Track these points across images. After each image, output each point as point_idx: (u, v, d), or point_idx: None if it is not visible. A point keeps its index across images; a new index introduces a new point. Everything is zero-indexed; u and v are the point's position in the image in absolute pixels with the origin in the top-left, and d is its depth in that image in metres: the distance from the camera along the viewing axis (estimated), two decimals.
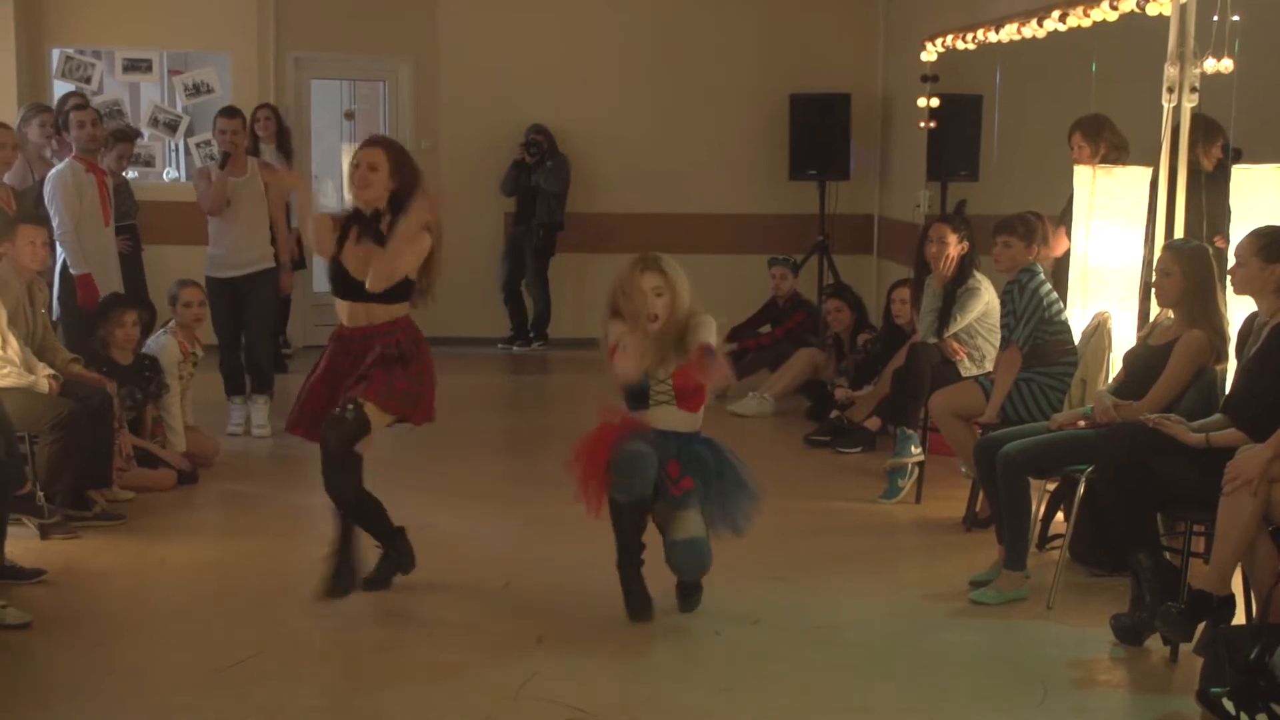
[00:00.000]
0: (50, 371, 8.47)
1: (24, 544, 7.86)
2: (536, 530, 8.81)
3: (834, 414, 11.21)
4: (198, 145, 14.96)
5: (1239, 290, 6.85)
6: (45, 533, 8.25)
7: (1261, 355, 6.66)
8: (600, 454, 6.80)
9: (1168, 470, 6.62)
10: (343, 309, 7.25)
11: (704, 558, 6.88)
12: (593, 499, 6.88)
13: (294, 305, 14.19)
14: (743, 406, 12.15)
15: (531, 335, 15.62)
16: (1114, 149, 9.08)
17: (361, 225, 7.11)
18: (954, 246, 9.45)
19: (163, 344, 9.91)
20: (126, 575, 7.85)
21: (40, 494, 8.37)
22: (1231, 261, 6.90)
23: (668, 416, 6.96)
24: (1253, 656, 5.66)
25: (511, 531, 8.78)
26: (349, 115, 16.60)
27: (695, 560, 6.88)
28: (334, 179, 16.29)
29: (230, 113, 11.47)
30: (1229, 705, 5.68)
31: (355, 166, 7.11)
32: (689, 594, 7.08)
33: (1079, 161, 9.09)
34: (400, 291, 7.13)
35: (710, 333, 6.96)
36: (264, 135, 13.19)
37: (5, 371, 8.14)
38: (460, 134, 15.44)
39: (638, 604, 6.97)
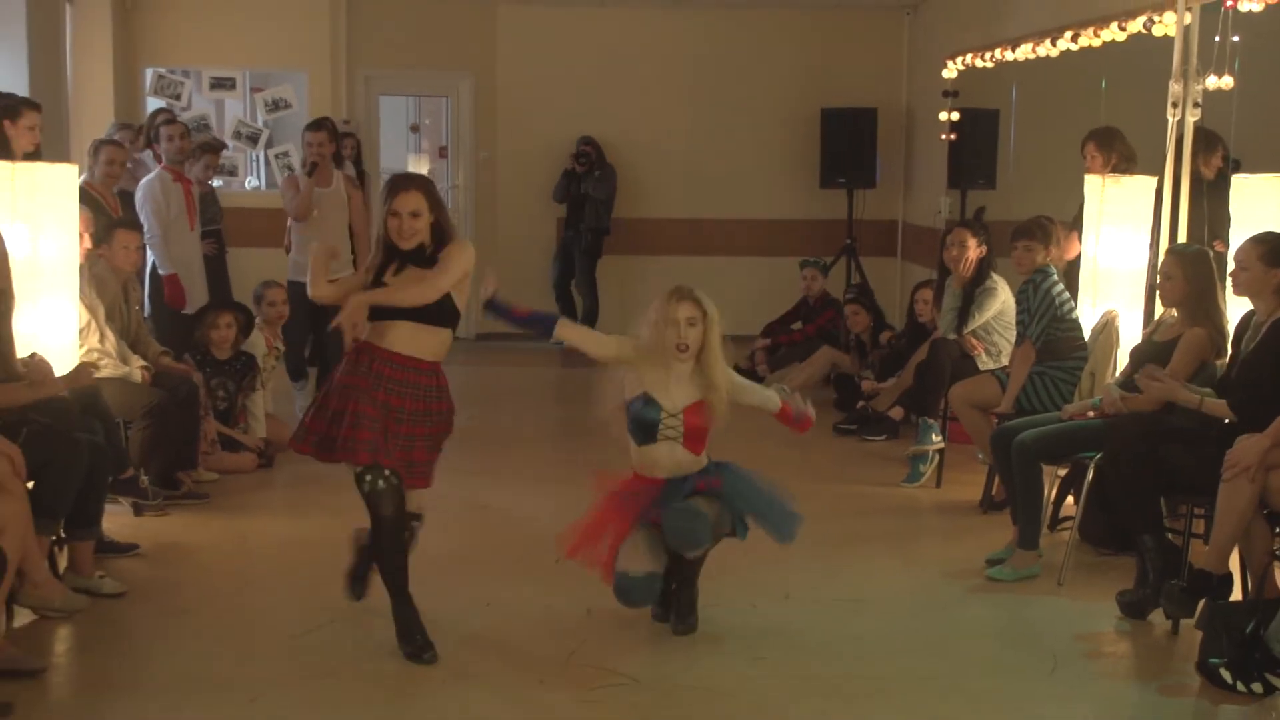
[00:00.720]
0: (143, 363, 8.48)
1: (119, 521, 7.88)
2: (581, 509, 8.71)
3: (860, 404, 11.21)
4: (276, 156, 15.12)
5: (1240, 292, 6.79)
6: (138, 510, 8.27)
7: (1260, 350, 6.60)
8: (599, 541, 6.30)
9: (1171, 458, 6.58)
10: (385, 330, 6.09)
11: (699, 527, 6.20)
12: (605, 571, 6.30)
13: None
14: None
15: None
16: (1124, 159, 9.02)
17: (402, 258, 6.11)
18: (973, 250, 9.43)
19: (250, 339, 9.92)
20: (210, 549, 7.90)
21: (144, 477, 8.37)
22: (1232, 266, 6.84)
23: (672, 453, 6.33)
24: (1249, 630, 5.76)
25: (563, 512, 8.66)
26: (414, 129, 16.56)
27: (688, 525, 6.20)
28: None
29: (317, 126, 11.38)
30: (1226, 675, 5.72)
31: (395, 216, 6.05)
32: (684, 615, 6.48)
33: (1091, 170, 9.07)
34: (449, 317, 6.16)
35: (769, 399, 6.65)
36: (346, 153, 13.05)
37: (103, 363, 8.11)
38: (516, 145, 15.54)
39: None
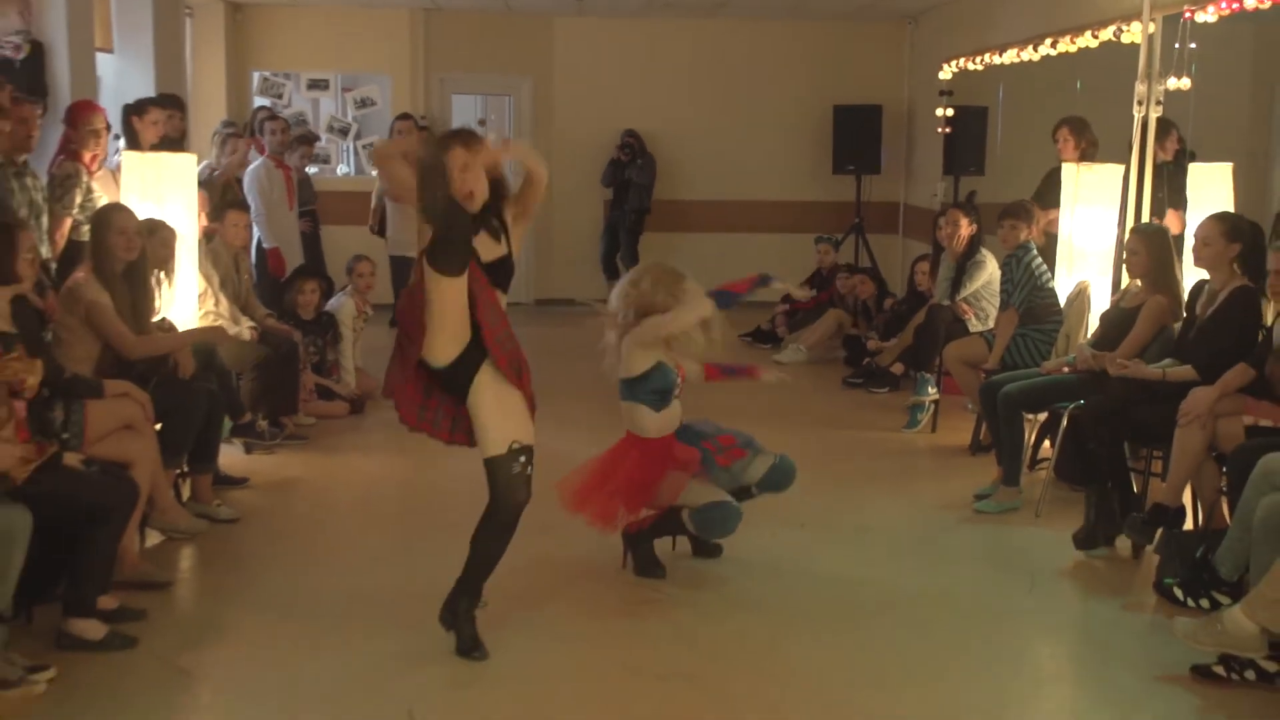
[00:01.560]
0: (251, 324, 8.53)
1: (233, 458, 7.98)
2: None
3: (866, 361, 11.17)
4: (363, 147, 15.17)
5: (1201, 264, 6.75)
6: (249, 449, 8.37)
7: (1221, 317, 6.59)
8: (607, 498, 6.06)
9: (1137, 413, 6.60)
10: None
11: (731, 520, 6.14)
12: (610, 518, 6.10)
13: None
14: (783, 355, 12.14)
15: None
16: (1091, 145, 9.02)
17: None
18: (965, 228, 9.48)
19: (342, 303, 9.97)
20: (309, 482, 7.96)
21: (262, 421, 8.54)
22: (1195, 242, 6.80)
23: (677, 411, 6.30)
24: (1199, 555, 5.77)
25: (593, 450, 8.75)
26: (481, 123, 16.57)
27: (723, 519, 6.13)
28: None
29: (405, 116, 12.04)
30: (1179, 593, 5.76)
31: (459, 168, 5.04)
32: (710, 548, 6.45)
33: (1063, 152, 9.08)
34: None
35: (691, 311, 6.06)
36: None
37: (219, 324, 8.17)
38: (569, 138, 15.47)
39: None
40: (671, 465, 6.13)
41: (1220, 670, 5.04)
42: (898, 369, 10.69)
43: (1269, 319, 6.51)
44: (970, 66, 12.27)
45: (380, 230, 11.88)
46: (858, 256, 14.46)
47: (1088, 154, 8.94)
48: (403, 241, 11.18)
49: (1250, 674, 5.00)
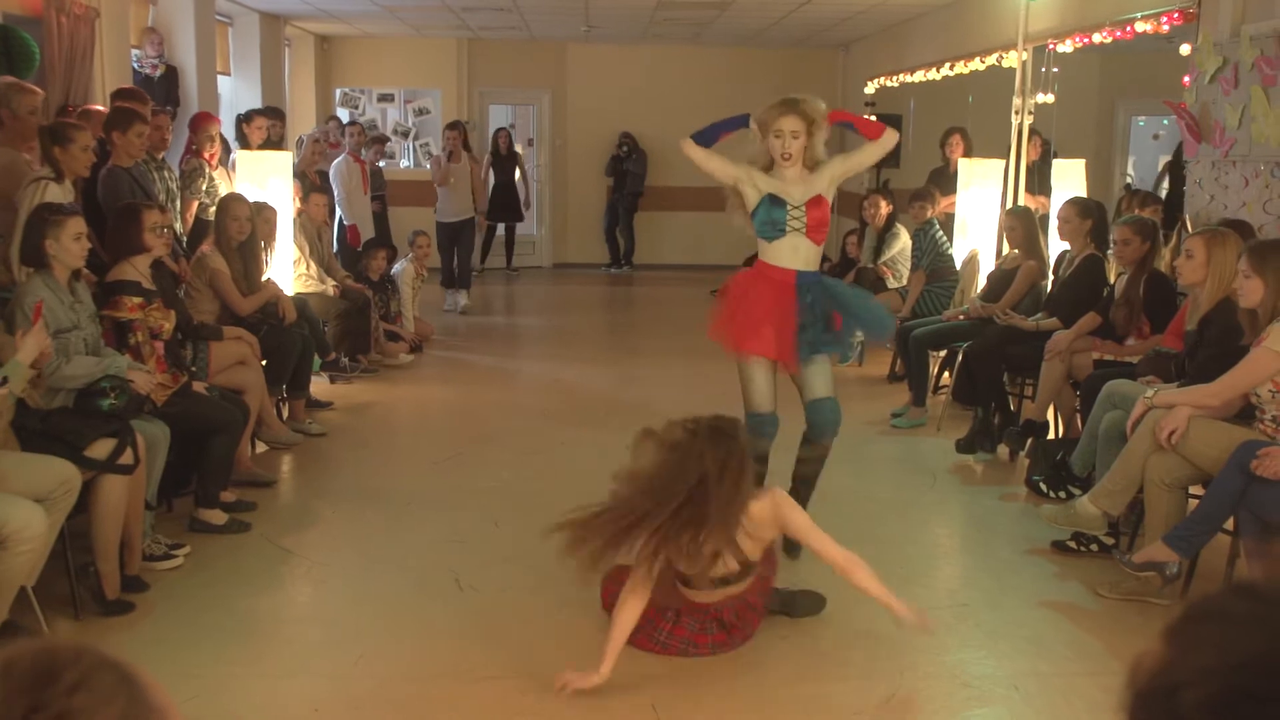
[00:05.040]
0: (333, 282, 8.53)
1: (320, 386, 7.97)
2: (626, 380, 8.86)
3: None
4: (420, 146, 15.11)
5: (1063, 238, 6.80)
6: (333, 380, 8.37)
7: (1074, 277, 6.65)
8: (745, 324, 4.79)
9: (1016, 350, 6.63)
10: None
11: (836, 417, 4.84)
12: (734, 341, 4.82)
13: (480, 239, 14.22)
14: None
15: (623, 262, 15.57)
16: (970, 147, 9.14)
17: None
18: (884, 208, 9.41)
19: (404, 268, 9.93)
20: (380, 405, 7.96)
21: (344, 359, 8.56)
22: (1056, 220, 6.83)
23: (797, 245, 4.77)
24: (1058, 458, 5.84)
25: (609, 381, 8.81)
26: (511, 126, 16.50)
27: (837, 418, 4.82)
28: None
29: (453, 125, 12.05)
30: (1044, 487, 5.88)
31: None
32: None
33: (953, 153, 9.15)
34: None
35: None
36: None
37: (309, 283, 8.22)
38: (580, 138, 15.45)
39: None
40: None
41: (1073, 544, 5.09)
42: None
43: (1111, 278, 6.56)
44: (889, 84, 12.21)
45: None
46: None
47: (969, 154, 9.01)
48: (447, 210, 11.78)
49: (1094, 546, 5.07)
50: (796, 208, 4.77)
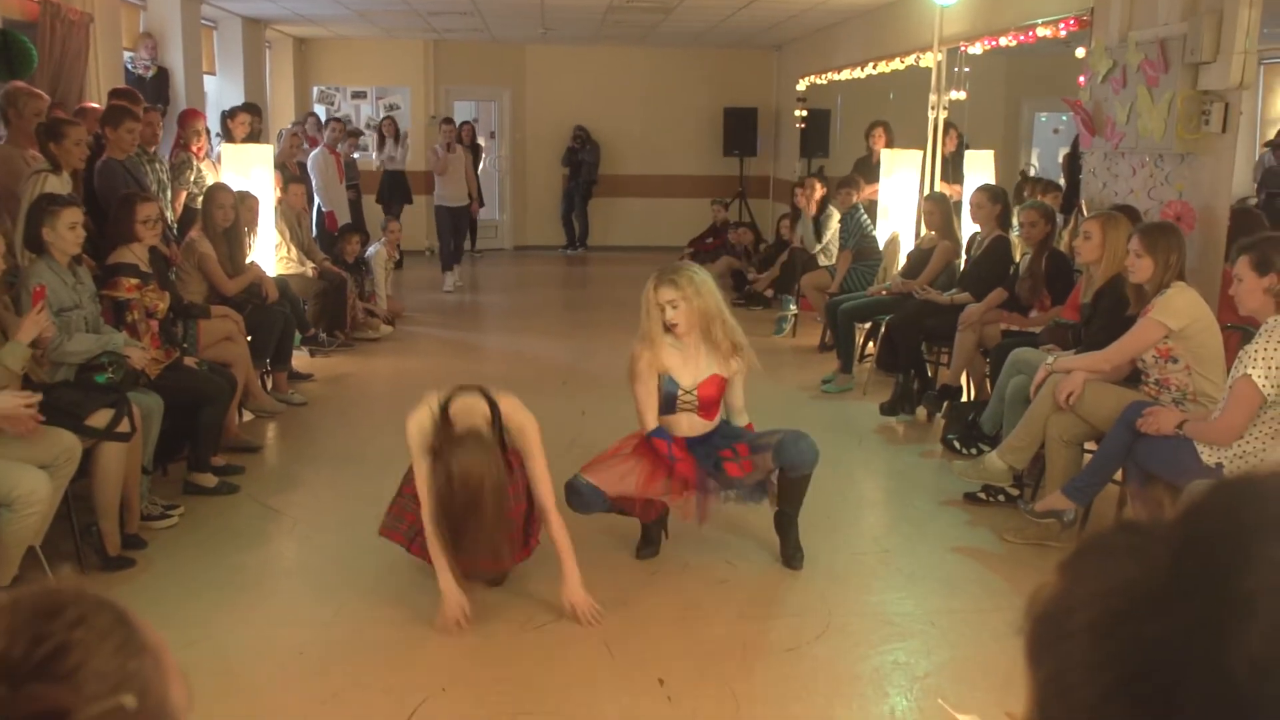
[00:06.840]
0: (312, 264, 8.45)
1: (301, 360, 7.88)
2: (581, 351, 8.82)
3: (746, 287, 11.14)
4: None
5: (975, 221, 6.83)
6: (313, 353, 8.31)
7: (983, 256, 6.69)
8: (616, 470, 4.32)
9: (933, 322, 6.67)
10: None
11: (806, 446, 4.32)
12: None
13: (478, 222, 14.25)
14: None
15: (578, 244, 15.51)
16: (891, 139, 9.12)
17: None
18: (817, 192, 9.41)
19: (377, 251, 9.83)
20: (356, 376, 7.92)
21: (323, 335, 8.47)
22: (969, 205, 6.86)
23: (691, 424, 4.35)
24: (970, 419, 5.83)
25: (566, 352, 8.79)
26: (475, 120, 16.39)
27: (800, 447, 4.30)
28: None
29: (448, 120, 12.20)
30: (957, 444, 5.89)
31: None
32: (793, 554, 4.46)
33: (877, 145, 9.15)
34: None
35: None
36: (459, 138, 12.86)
37: (290, 265, 8.13)
38: (538, 131, 15.33)
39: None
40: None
41: (983, 495, 5.17)
42: (769, 293, 10.69)
43: (1017, 257, 6.62)
44: (818, 81, 12.18)
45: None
46: (741, 214, 14.36)
47: (891, 145, 9.02)
48: (446, 196, 11.83)
49: (1001, 498, 5.15)
50: (688, 392, 4.33)
